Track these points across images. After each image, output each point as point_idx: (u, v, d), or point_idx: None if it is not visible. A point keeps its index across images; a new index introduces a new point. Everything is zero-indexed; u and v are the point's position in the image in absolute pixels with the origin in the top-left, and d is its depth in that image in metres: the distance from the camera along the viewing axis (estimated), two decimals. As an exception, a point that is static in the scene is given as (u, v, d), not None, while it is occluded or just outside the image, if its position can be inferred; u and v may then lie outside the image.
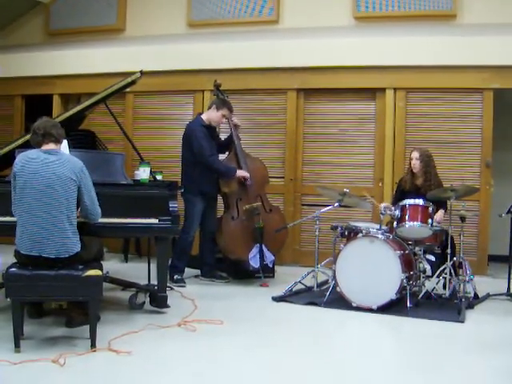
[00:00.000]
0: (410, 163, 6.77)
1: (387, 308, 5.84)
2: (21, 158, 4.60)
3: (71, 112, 6.03)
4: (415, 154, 6.71)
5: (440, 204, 6.43)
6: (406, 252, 6.05)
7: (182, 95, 8.90)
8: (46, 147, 4.63)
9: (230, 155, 7.29)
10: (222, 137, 7.54)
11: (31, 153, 4.61)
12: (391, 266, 5.80)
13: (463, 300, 5.97)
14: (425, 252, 6.34)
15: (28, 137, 4.97)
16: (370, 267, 5.90)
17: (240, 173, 7.05)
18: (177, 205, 5.58)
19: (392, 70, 7.94)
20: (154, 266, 5.80)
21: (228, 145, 7.36)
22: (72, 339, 4.74)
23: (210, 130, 7.17)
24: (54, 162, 4.54)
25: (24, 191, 4.49)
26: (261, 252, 7.01)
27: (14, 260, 4.63)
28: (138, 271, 7.03)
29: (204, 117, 7.17)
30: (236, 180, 7.11)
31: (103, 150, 7.39)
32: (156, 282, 5.63)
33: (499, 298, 6.55)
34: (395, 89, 7.99)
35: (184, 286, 6.85)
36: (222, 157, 7.39)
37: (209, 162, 6.96)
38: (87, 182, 4.70)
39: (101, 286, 4.66)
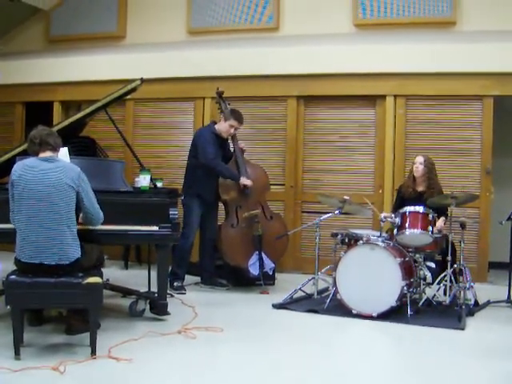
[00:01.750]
0: (412, 168, 6.77)
1: (387, 315, 5.83)
2: (18, 166, 4.61)
3: (72, 119, 6.04)
4: (420, 159, 6.72)
5: (441, 211, 6.43)
6: (407, 259, 6.05)
7: (182, 102, 8.92)
8: (43, 155, 4.64)
9: (230, 162, 7.28)
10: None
11: (29, 161, 4.62)
12: (391, 273, 5.79)
13: (463, 307, 5.96)
14: (425, 259, 6.33)
15: (28, 144, 4.96)
16: (371, 274, 5.90)
17: (243, 180, 7.05)
18: (177, 212, 5.59)
19: (392, 77, 7.95)
20: (154, 274, 5.80)
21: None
22: (72, 346, 4.74)
23: (221, 139, 7.18)
24: (51, 170, 4.55)
25: (22, 199, 4.50)
26: (260, 259, 7.01)
27: (14, 267, 4.63)
28: (138, 278, 7.03)
29: (217, 126, 7.20)
30: (235, 187, 7.11)
31: (103, 157, 7.37)
32: (156, 290, 5.62)
33: (500, 305, 6.54)
34: (395, 96, 8.00)
35: (184, 293, 6.84)
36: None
37: (211, 165, 6.96)
38: (86, 187, 4.71)
39: (101, 293, 4.66)
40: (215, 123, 7.30)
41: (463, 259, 6.30)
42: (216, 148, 7.08)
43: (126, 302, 6.02)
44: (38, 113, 9.43)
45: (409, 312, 5.78)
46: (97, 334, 4.56)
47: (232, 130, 7.16)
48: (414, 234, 6.13)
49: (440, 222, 6.43)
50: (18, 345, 4.38)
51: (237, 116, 7.18)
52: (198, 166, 7.04)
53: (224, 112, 7.25)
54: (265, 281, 7.12)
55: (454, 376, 4.39)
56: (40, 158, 4.62)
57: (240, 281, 7.30)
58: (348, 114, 8.29)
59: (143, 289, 6.12)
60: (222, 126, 7.15)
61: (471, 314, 6.06)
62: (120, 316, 5.78)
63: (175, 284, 6.96)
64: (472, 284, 6.26)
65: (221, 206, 7.43)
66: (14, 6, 9.26)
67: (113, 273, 7.61)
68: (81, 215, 4.82)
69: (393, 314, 5.86)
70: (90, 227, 4.95)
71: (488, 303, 6.54)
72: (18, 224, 4.55)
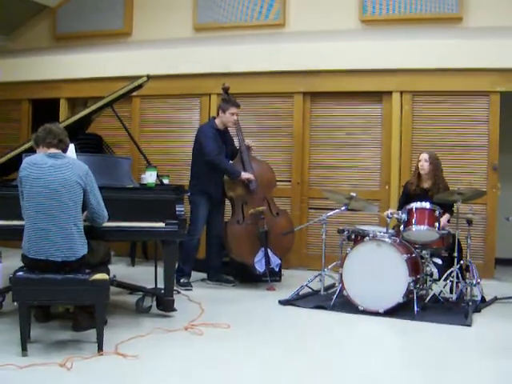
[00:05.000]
0: (418, 165, 6.75)
1: (394, 311, 5.83)
2: (26, 163, 4.62)
3: (78, 116, 6.04)
4: (424, 156, 6.69)
5: (446, 207, 6.42)
6: (413, 255, 6.04)
7: (188, 99, 8.91)
8: (53, 150, 4.65)
9: (236, 159, 7.29)
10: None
11: (36, 158, 4.63)
12: (398, 270, 5.79)
13: (470, 303, 5.96)
14: (432, 255, 6.32)
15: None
16: (377, 271, 5.89)
17: (244, 175, 7.05)
18: (183, 209, 5.59)
19: (398, 73, 7.93)
20: (160, 270, 5.79)
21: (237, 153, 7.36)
22: (79, 343, 4.75)
23: (222, 134, 7.19)
24: (59, 166, 4.56)
25: (30, 196, 4.51)
26: (266, 256, 7.00)
27: (21, 264, 4.64)
28: (145, 275, 7.04)
29: (217, 121, 7.19)
30: (241, 184, 7.11)
31: (110, 153, 7.40)
32: (163, 286, 5.63)
33: (506, 301, 6.53)
34: (402, 92, 7.98)
35: (191, 290, 6.86)
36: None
37: (214, 161, 6.96)
38: (93, 185, 4.72)
39: (108, 289, 4.67)
40: (215, 118, 7.28)
41: (470, 255, 6.29)
42: (219, 144, 7.08)
43: (132, 299, 6.03)
44: (45, 110, 9.46)
45: (415, 308, 5.77)
46: (103, 330, 4.57)
47: (235, 117, 7.16)
48: (420, 231, 6.12)
49: (443, 219, 6.41)
50: (24, 341, 4.40)
51: (232, 102, 7.18)
52: (202, 163, 7.03)
53: (219, 105, 7.24)
54: (271, 277, 7.11)
55: (461, 372, 4.39)
56: (48, 154, 4.62)
57: (246, 277, 7.30)
58: (354, 110, 8.27)
59: (150, 285, 6.13)
60: (225, 118, 7.14)
61: (478, 310, 6.05)
62: (127, 312, 5.79)
63: (182, 280, 6.96)
64: (479, 280, 6.25)
65: (227, 202, 7.43)
66: (21, 3, 9.29)
67: (119, 269, 7.62)
68: (85, 213, 4.82)
69: (399, 311, 5.86)
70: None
71: (495, 299, 6.54)
72: (26, 220, 4.57)
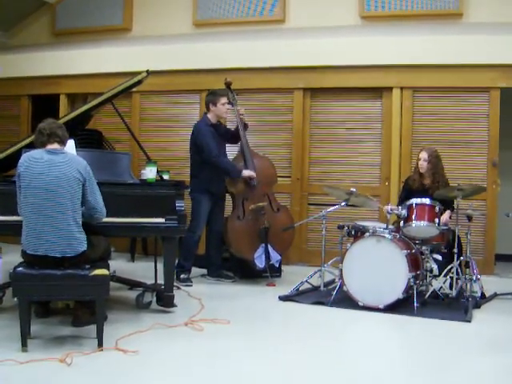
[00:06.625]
0: (418, 163, 6.75)
1: (394, 307, 5.83)
2: (25, 158, 4.61)
3: (78, 111, 6.03)
4: (423, 155, 6.68)
5: (447, 204, 6.41)
6: (413, 251, 6.04)
7: (188, 95, 8.91)
8: (50, 147, 4.64)
9: (237, 154, 7.29)
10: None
11: (35, 153, 4.62)
12: (398, 266, 5.79)
13: (470, 299, 5.96)
14: (432, 251, 6.32)
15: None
16: (377, 266, 5.89)
17: (246, 173, 7.05)
18: (183, 204, 5.58)
19: (398, 70, 7.92)
20: (160, 266, 5.79)
21: (237, 134, 7.30)
22: (79, 338, 4.75)
23: (217, 128, 7.17)
24: (59, 162, 4.56)
25: (29, 191, 4.51)
26: (266, 252, 7.00)
27: (21, 260, 4.64)
28: (145, 270, 7.03)
29: (210, 116, 7.17)
30: (242, 180, 7.10)
31: (110, 149, 7.38)
32: (163, 282, 5.63)
33: (506, 297, 6.53)
34: (402, 88, 7.98)
35: (191, 286, 6.86)
36: (232, 148, 7.49)
37: (214, 163, 6.96)
38: (91, 181, 4.72)
39: (108, 285, 4.67)
40: (207, 114, 7.24)
41: (470, 251, 6.29)
42: (217, 142, 7.06)
43: (132, 294, 6.04)
44: (44, 106, 9.45)
45: (415, 304, 5.78)
46: (103, 325, 4.57)
47: (227, 106, 7.16)
48: (420, 226, 6.12)
49: (445, 216, 6.40)
50: (24, 337, 4.40)
51: (219, 93, 7.16)
52: (203, 161, 7.02)
53: (208, 100, 7.20)
54: (271, 273, 7.12)
55: (460, 368, 4.38)
56: (47, 150, 4.62)
57: (246, 273, 7.31)
58: (354, 106, 8.27)
59: (150, 281, 6.12)
60: (218, 111, 7.12)
61: (478, 306, 6.05)
62: (127, 308, 5.79)
63: (182, 276, 6.97)
64: (479, 276, 6.25)
65: (228, 198, 7.43)
66: (21, -2, 9.29)
67: (119, 265, 7.63)
68: (83, 209, 4.81)
69: (399, 306, 5.86)
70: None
71: (495, 295, 6.54)
72: (24, 216, 4.56)
